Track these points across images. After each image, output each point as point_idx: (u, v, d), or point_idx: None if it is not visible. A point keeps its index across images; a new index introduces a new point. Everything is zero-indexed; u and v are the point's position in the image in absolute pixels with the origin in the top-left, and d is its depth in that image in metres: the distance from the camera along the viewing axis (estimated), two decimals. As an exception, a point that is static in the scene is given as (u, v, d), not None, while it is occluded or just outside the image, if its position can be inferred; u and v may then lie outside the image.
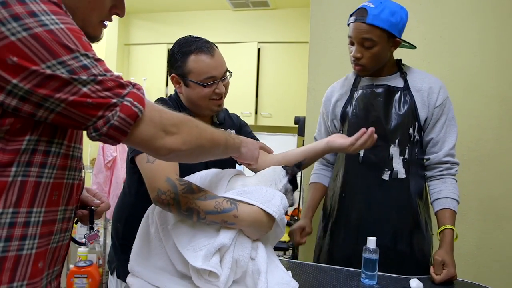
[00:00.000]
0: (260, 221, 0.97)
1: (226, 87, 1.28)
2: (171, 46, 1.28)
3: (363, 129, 1.16)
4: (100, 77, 0.62)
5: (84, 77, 0.60)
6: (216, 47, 1.27)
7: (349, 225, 1.40)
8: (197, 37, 1.26)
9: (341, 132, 1.47)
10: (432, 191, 1.36)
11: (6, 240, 0.62)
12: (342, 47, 1.89)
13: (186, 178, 1.11)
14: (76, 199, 0.80)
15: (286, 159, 1.23)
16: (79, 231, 3.43)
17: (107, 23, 0.83)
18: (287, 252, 2.12)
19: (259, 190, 1.02)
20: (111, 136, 0.64)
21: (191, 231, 1.01)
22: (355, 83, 1.46)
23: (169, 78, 1.32)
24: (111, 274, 1.33)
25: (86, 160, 3.50)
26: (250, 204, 0.98)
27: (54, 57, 0.58)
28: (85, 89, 0.60)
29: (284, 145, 3.34)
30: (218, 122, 1.36)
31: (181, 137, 0.73)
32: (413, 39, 1.54)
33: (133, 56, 3.89)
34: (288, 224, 2.29)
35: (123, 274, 1.24)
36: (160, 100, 1.27)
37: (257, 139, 1.39)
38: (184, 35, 1.28)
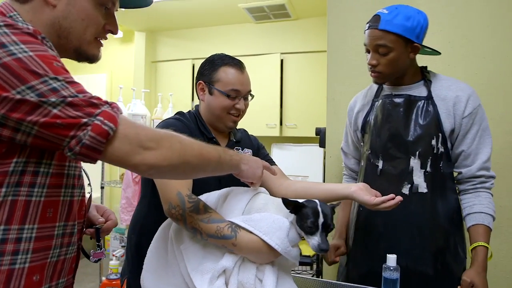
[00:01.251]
0: (260, 251, 0.95)
1: (246, 107, 1.32)
2: (196, 61, 1.36)
3: (392, 195, 1.09)
4: (70, 99, 0.64)
5: (53, 99, 0.63)
6: (245, 67, 1.34)
7: (367, 241, 1.34)
8: (231, 56, 1.34)
9: (362, 144, 1.42)
10: (465, 206, 1.27)
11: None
12: (360, 55, 1.84)
13: (206, 194, 1.12)
14: (81, 214, 0.84)
15: (306, 192, 1.20)
16: (113, 243, 3.53)
17: (103, 41, 0.87)
18: (311, 267, 2.06)
19: (266, 218, 0.98)
20: (85, 155, 0.66)
21: (201, 252, 1.01)
22: (377, 93, 1.41)
23: (195, 93, 1.36)
24: None
25: (115, 175, 3.62)
26: (252, 232, 0.95)
27: (23, 83, 0.62)
28: (55, 111, 0.63)
29: (309, 156, 3.29)
30: (234, 140, 1.37)
31: (161, 153, 0.72)
32: (436, 43, 1.47)
33: (160, 72, 3.99)
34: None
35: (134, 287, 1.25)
36: (178, 114, 1.32)
37: (273, 163, 1.39)
38: (208, 50, 1.34)
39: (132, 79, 3.94)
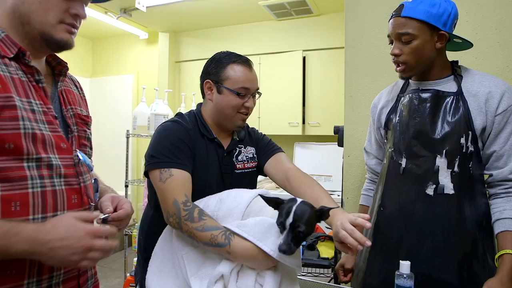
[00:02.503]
0: (255, 258, 0.92)
1: (253, 105, 1.30)
2: None
3: (367, 241, 0.93)
4: None
5: None
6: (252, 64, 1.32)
7: (387, 244, 1.26)
8: (237, 53, 1.31)
9: (386, 140, 1.36)
10: (494, 211, 1.17)
11: None
12: (378, 51, 1.77)
13: (207, 198, 1.11)
14: (72, 203, 0.82)
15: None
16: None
17: (75, 30, 0.85)
18: (329, 270, 2.00)
19: (261, 223, 0.95)
20: None
21: (201, 258, 1.01)
22: (402, 89, 1.34)
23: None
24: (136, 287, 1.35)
25: (139, 174, 3.69)
26: (245, 239, 0.93)
27: None
28: None
29: (332, 155, 3.21)
30: (238, 139, 1.34)
31: None
32: (462, 34, 1.38)
33: (184, 72, 4.03)
34: (331, 238, 2.16)
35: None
36: (177, 116, 1.30)
37: (278, 149, 1.36)
38: (230, 48, 1.34)
39: (157, 79, 4.00)
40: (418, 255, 1.15)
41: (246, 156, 1.33)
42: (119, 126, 4.14)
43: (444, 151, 1.17)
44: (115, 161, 3.98)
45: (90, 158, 0.95)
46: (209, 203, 1.07)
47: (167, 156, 1.13)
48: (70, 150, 0.85)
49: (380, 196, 1.30)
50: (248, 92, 1.25)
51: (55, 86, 0.91)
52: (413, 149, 1.22)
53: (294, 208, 0.88)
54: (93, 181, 0.91)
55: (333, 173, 3.21)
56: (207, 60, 1.33)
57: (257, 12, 3.37)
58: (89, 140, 0.97)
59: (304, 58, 3.41)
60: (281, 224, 0.88)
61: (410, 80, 1.32)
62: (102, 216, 0.86)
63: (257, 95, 1.31)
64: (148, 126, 3.09)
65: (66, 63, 0.94)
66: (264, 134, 1.44)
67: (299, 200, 0.92)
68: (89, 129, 0.98)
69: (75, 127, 0.91)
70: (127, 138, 3.14)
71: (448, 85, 1.22)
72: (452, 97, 1.19)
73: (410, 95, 1.27)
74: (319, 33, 3.39)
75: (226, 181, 1.25)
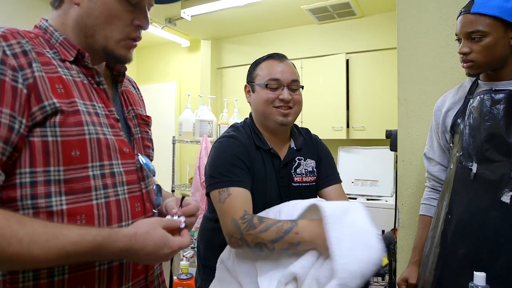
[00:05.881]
0: (321, 235, 0.91)
1: (296, 99, 1.23)
2: None
3: None
4: None
5: None
6: (287, 58, 1.28)
7: (455, 255, 1.19)
8: (274, 53, 1.28)
9: (451, 145, 1.29)
10: None
11: (35, 270, 0.67)
12: (434, 52, 1.70)
13: (266, 210, 1.10)
14: (136, 212, 0.79)
15: None
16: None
17: (136, 43, 0.82)
18: (382, 278, 1.94)
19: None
20: None
21: (272, 263, 1.00)
22: (470, 90, 1.27)
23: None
24: None
25: (185, 179, 3.77)
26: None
27: None
28: None
29: (379, 160, 3.13)
30: (295, 148, 1.28)
31: None
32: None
33: (225, 78, 4.09)
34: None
35: None
36: (232, 128, 1.28)
37: (337, 180, 1.31)
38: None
39: (199, 86, 4.08)
40: (492, 266, 1.08)
41: (305, 169, 1.27)
42: (162, 132, 4.26)
43: None
44: (159, 167, 4.07)
45: (152, 159, 0.92)
46: (269, 214, 1.06)
47: (225, 175, 1.11)
48: (132, 154, 0.82)
49: (447, 203, 1.24)
50: (280, 84, 1.19)
51: (115, 87, 0.89)
52: (485, 153, 1.15)
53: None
54: (155, 187, 0.88)
55: (379, 177, 3.13)
56: (247, 65, 1.33)
57: (299, 16, 3.37)
58: (151, 141, 0.95)
59: (347, 61, 3.36)
60: None
61: (479, 81, 1.26)
62: (182, 226, 0.81)
63: (299, 89, 1.24)
64: (193, 132, 3.16)
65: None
66: (329, 152, 1.36)
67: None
68: (150, 129, 0.96)
69: (137, 128, 0.89)
70: (173, 144, 3.22)
71: None
72: None
73: (481, 96, 1.20)
74: (363, 35, 3.33)
75: (283, 194, 1.21)
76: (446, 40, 1.68)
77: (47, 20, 0.80)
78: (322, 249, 0.93)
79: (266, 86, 1.20)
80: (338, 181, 1.31)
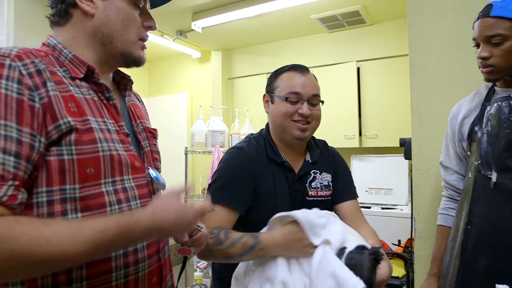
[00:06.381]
0: (287, 241, 0.98)
1: (315, 114, 1.20)
2: (270, 75, 1.30)
3: None
4: None
5: None
6: (309, 71, 1.25)
7: (476, 267, 1.16)
8: (296, 64, 1.27)
9: (469, 153, 1.26)
10: None
11: (54, 277, 0.67)
12: (447, 58, 1.68)
13: (294, 212, 1.05)
14: None
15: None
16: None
17: (145, 43, 0.87)
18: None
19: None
20: None
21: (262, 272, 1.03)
22: (487, 97, 1.25)
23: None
24: None
25: (197, 190, 3.78)
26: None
27: None
28: None
29: (393, 168, 3.09)
30: (310, 161, 1.26)
31: None
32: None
33: (236, 88, 4.11)
34: (401, 257, 2.06)
35: None
36: (246, 139, 1.28)
37: (353, 195, 1.28)
38: (282, 63, 1.30)
39: (211, 96, 4.11)
40: None
41: (320, 183, 1.24)
42: (174, 143, 4.29)
43: None
44: (172, 177, 4.10)
45: (160, 171, 0.93)
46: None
47: (217, 191, 1.13)
48: (143, 168, 0.83)
49: (466, 213, 1.21)
50: (300, 98, 1.17)
51: (122, 101, 0.90)
52: (505, 162, 1.12)
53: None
54: None
55: (394, 186, 3.08)
56: (258, 75, 1.32)
57: (309, 25, 3.38)
58: (158, 153, 0.96)
59: (358, 69, 3.34)
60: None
61: (495, 87, 1.23)
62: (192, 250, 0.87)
63: (319, 104, 1.22)
64: (206, 143, 3.17)
65: (130, 76, 0.94)
66: (346, 166, 1.35)
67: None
68: (157, 142, 0.97)
69: (146, 141, 0.90)
70: (186, 154, 3.24)
71: None
72: None
73: (499, 103, 1.17)
74: (374, 43, 3.32)
75: (296, 208, 1.16)
76: (459, 46, 1.66)
77: (54, 37, 0.81)
78: (295, 248, 0.99)
79: (286, 99, 1.18)
80: (354, 196, 1.28)
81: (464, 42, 1.64)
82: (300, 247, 0.98)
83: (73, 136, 0.70)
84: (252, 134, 1.31)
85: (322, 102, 1.24)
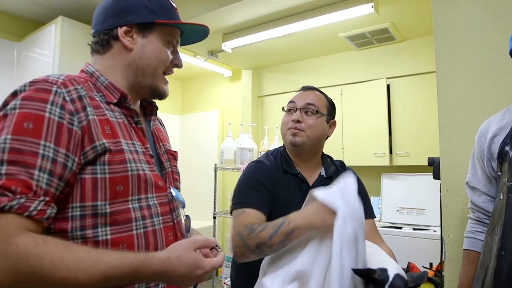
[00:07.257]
0: (314, 213, 0.96)
1: (308, 123, 1.28)
2: None
3: None
4: None
5: None
6: (317, 90, 1.37)
7: None
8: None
9: (500, 173, 1.22)
10: None
11: None
12: (474, 76, 1.64)
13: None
14: (169, 241, 0.86)
15: None
16: (224, 271, 3.69)
17: (168, 79, 0.95)
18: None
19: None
20: None
21: (276, 262, 1.04)
22: None
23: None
24: None
25: (226, 206, 3.82)
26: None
27: None
28: None
29: (425, 187, 2.99)
30: (325, 176, 1.32)
31: None
32: None
33: (266, 106, 4.17)
34: (432, 281, 1.98)
35: None
36: (265, 155, 1.36)
37: (370, 214, 1.31)
38: (311, 81, 1.44)
39: (241, 114, 4.19)
40: None
41: None
42: (205, 160, 4.39)
43: None
44: (202, 193, 4.19)
45: (179, 190, 0.99)
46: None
47: (243, 197, 1.21)
48: (165, 188, 0.89)
49: (499, 237, 1.14)
50: (294, 106, 1.31)
51: (148, 125, 0.98)
52: None
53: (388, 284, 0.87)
54: (185, 217, 0.94)
55: (426, 206, 2.98)
56: (287, 93, 1.42)
57: (337, 43, 3.39)
58: (178, 174, 1.03)
59: (388, 86, 3.30)
60: None
61: None
62: (215, 245, 0.88)
63: (315, 114, 1.29)
64: (235, 160, 3.23)
65: (155, 102, 1.01)
66: (364, 187, 1.35)
67: (391, 274, 0.88)
68: (177, 163, 1.04)
69: (167, 163, 0.96)
70: (215, 171, 3.31)
71: None
72: None
73: None
74: (404, 60, 3.27)
75: None
76: (488, 63, 1.62)
77: (92, 65, 0.91)
78: (318, 229, 0.96)
79: (283, 110, 1.35)
80: (372, 216, 1.29)
81: (494, 59, 1.59)
82: (325, 214, 0.97)
83: (107, 157, 0.77)
84: (270, 150, 1.39)
85: (323, 114, 1.31)
